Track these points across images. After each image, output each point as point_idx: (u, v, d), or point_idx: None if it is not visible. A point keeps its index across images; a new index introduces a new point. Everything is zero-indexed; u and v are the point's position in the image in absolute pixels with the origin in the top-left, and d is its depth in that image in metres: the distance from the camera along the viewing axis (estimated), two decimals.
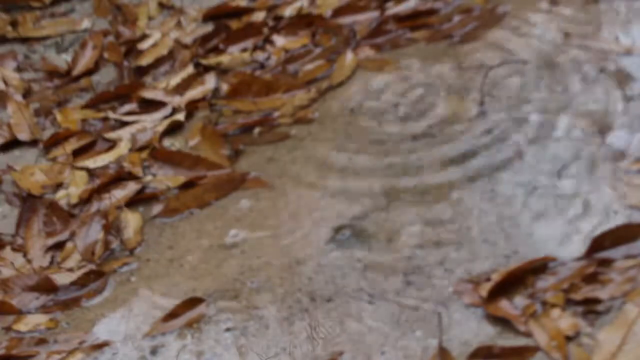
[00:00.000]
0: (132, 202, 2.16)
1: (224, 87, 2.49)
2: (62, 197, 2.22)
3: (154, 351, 1.78)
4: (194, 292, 1.89)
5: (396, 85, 2.39)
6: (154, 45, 2.76)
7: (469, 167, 2.07)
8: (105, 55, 2.76)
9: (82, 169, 2.30)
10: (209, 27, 2.79)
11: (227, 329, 1.80)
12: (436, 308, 1.75)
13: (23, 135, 2.47)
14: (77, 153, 2.36)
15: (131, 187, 2.19)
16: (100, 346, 1.82)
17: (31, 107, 2.56)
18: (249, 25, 2.73)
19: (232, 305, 1.84)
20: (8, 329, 1.90)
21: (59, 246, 2.08)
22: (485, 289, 1.74)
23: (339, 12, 2.70)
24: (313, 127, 2.31)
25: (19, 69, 2.77)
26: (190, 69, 2.60)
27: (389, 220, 1.97)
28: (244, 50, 2.65)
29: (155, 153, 2.29)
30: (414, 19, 2.61)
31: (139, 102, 2.51)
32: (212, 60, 2.63)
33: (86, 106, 2.55)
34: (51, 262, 2.05)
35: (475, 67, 2.38)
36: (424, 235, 1.92)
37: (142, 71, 2.66)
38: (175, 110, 2.45)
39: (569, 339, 1.64)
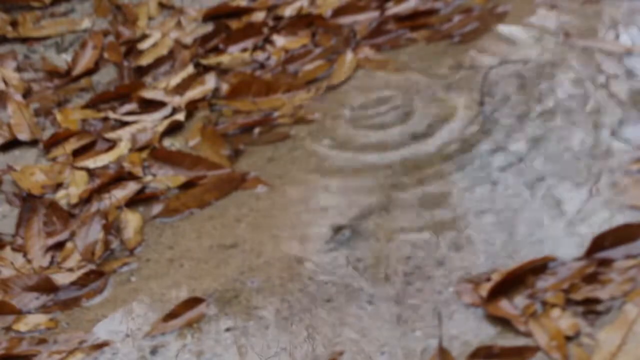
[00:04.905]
0: (132, 202, 2.16)
1: (224, 87, 2.49)
2: (62, 197, 2.22)
3: (154, 351, 1.78)
4: (194, 292, 1.89)
5: (396, 85, 2.39)
6: (154, 45, 2.76)
7: (469, 166, 2.07)
8: (105, 55, 2.76)
9: (82, 169, 2.30)
10: (209, 27, 2.79)
11: (227, 329, 1.80)
12: (436, 308, 1.75)
13: (23, 135, 2.47)
14: (77, 153, 2.36)
15: (131, 187, 2.19)
16: (100, 346, 1.82)
17: (31, 107, 2.56)
18: (249, 25, 2.73)
19: (232, 305, 1.84)
20: (8, 329, 1.90)
21: (59, 246, 2.08)
22: (485, 289, 1.74)
23: (339, 12, 2.70)
24: (313, 127, 2.31)
25: (19, 69, 2.77)
26: (190, 69, 2.60)
27: (389, 220, 1.97)
28: (244, 50, 2.65)
29: (155, 153, 2.29)
30: (414, 19, 2.61)
31: (139, 102, 2.51)
32: (212, 60, 2.63)
33: (86, 106, 2.55)
34: (51, 262, 2.05)
35: (475, 67, 2.38)
36: (423, 235, 1.92)
37: (142, 71, 2.66)
38: (175, 110, 2.45)
39: (569, 339, 1.64)
